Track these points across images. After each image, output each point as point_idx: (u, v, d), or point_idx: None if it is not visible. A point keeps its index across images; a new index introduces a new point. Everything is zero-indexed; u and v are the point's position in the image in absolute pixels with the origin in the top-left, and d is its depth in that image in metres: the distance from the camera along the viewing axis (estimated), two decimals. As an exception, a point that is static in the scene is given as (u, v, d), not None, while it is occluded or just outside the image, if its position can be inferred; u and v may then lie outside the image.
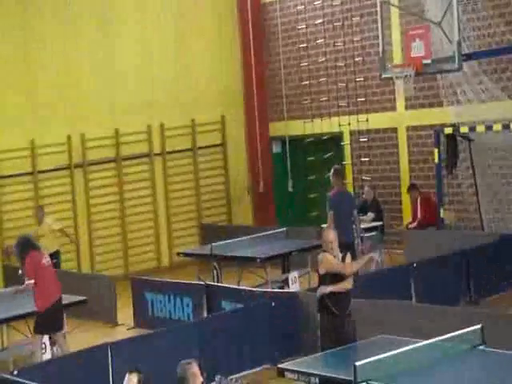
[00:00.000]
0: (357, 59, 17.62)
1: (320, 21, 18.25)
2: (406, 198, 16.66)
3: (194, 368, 6.44)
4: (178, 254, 15.64)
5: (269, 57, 19.54)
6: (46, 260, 11.05)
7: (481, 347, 7.94)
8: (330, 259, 9.11)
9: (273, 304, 10.76)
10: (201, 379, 6.41)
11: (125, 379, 6.46)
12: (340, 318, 9.00)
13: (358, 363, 7.12)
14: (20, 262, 11.11)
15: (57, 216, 16.65)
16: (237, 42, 19.45)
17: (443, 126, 15.25)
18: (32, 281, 10.73)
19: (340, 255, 9.22)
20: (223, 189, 19.16)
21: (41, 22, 16.77)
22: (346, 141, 18.03)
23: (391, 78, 13.67)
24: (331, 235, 9.22)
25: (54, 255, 14.63)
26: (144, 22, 18.03)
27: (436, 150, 14.88)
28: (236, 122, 19.36)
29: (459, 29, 12.75)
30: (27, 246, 11.06)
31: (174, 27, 18.48)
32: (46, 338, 10.93)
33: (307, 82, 18.66)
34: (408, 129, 16.94)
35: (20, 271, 11.31)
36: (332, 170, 13.49)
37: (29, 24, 16.63)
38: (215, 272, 14.19)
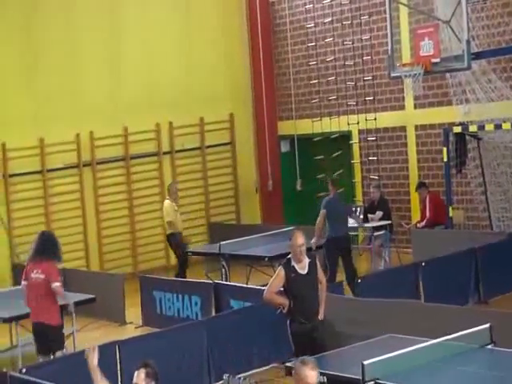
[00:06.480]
0: (365, 58, 17.60)
1: (329, 19, 18.24)
2: (414, 197, 16.64)
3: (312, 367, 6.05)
4: (187, 252, 15.66)
5: (277, 55, 19.54)
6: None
7: (489, 346, 7.94)
8: (277, 279, 8.93)
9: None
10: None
11: (134, 375, 6.48)
12: (309, 324, 8.86)
13: (366, 362, 7.12)
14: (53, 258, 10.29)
15: (66, 214, 16.72)
16: (245, 40, 19.45)
17: (452, 124, 15.23)
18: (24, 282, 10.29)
19: (307, 260, 8.99)
20: (232, 187, 19.17)
21: (47, 22, 16.77)
22: (355, 140, 18.02)
23: (400, 77, 13.69)
24: (300, 239, 8.93)
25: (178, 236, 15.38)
26: (152, 20, 18.03)
27: (445, 149, 14.85)
28: (245, 121, 19.36)
29: (468, 27, 12.75)
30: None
31: (182, 25, 18.48)
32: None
33: (316, 81, 18.65)
34: (417, 128, 16.92)
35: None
36: (329, 182, 14.56)
37: (35, 25, 16.62)
38: (223, 270, 14.20)
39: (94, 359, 6.99)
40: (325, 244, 13.60)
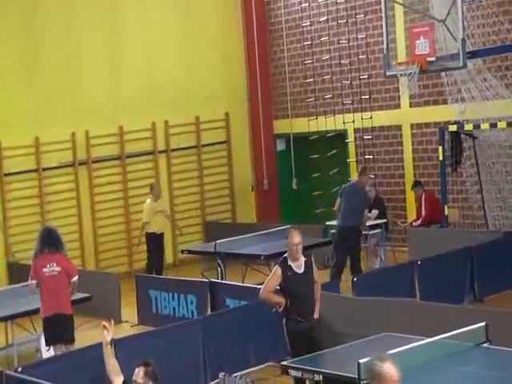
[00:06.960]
0: (361, 57, 17.62)
1: (324, 18, 18.24)
2: (410, 196, 16.67)
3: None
4: (182, 251, 15.68)
5: (273, 54, 19.54)
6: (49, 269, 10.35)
7: (485, 345, 7.95)
8: (274, 277, 8.89)
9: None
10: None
11: (134, 372, 6.51)
12: (306, 324, 8.84)
13: (361, 361, 7.12)
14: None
15: (61, 213, 16.70)
16: (241, 39, 19.45)
17: (447, 123, 15.24)
18: (32, 282, 10.39)
19: (303, 259, 8.96)
20: (227, 186, 19.17)
21: (47, 22, 16.76)
22: (351, 138, 18.03)
23: (396, 76, 13.67)
24: (296, 238, 8.88)
25: (160, 237, 15.61)
26: (148, 20, 18.02)
27: (440, 148, 14.86)
28: (240, 120, 19.36)
29: (464, 26, 12.75)
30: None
31: (179, 24, 18.48)
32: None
33: (311, 80, 18.66)
34: (412, 126, 16.94)
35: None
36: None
37: (35, 25, 16.61)
38: (219, 269, 14.21)
39: (108, 336, 7.02)
40: (333, 232, 13.84)
